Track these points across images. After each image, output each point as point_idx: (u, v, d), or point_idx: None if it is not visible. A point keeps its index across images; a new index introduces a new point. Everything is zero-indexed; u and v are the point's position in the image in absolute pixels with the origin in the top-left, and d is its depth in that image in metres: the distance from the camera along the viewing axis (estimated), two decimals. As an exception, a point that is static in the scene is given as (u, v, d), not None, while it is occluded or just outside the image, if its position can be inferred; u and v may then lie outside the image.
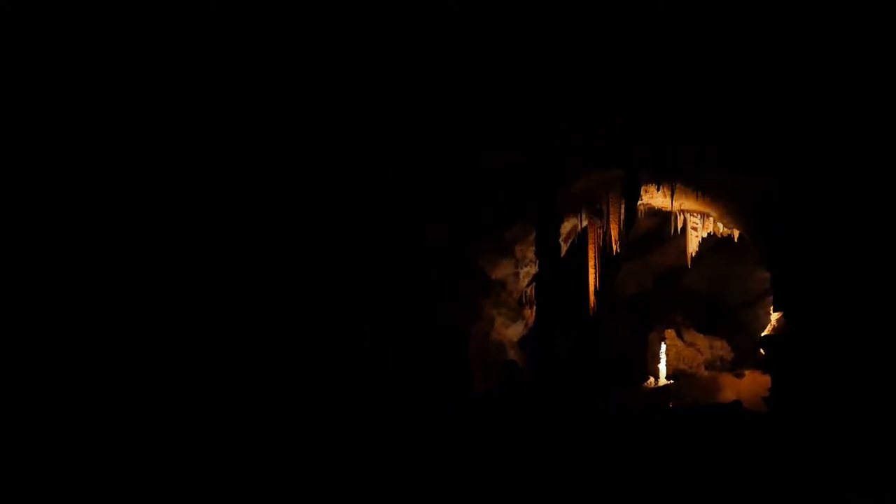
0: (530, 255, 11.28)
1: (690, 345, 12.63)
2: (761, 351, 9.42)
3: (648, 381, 12.25)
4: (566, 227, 11.40)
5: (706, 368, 12.46)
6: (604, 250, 11.07)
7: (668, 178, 9.48)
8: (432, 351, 9.76)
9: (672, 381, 12.09)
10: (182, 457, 6.81)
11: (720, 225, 10.96)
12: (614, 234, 10.73)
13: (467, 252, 10.83)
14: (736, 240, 10.87)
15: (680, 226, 11.24)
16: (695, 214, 11.21)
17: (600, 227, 10.97)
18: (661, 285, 13.81)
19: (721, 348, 12.63)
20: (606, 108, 7.80)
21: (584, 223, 11.48)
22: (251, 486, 6.41)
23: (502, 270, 11.34)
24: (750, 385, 10.65)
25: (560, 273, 11.19)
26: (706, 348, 12.64)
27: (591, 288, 11.99)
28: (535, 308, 11.43)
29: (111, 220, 7.45)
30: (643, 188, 10.20)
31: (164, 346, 7.61)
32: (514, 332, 11.67)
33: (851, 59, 6.54)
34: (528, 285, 11.60)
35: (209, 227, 8.10)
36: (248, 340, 8.21)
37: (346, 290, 9.10)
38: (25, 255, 6.98)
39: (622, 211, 10.73)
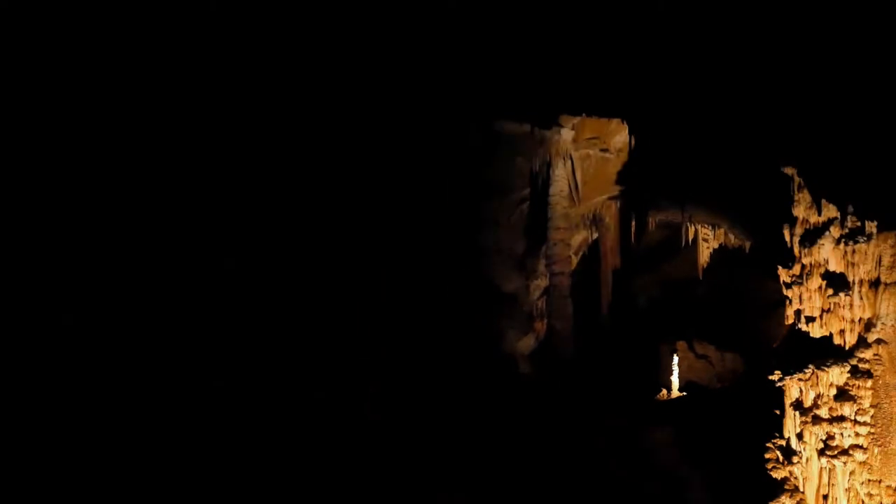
0: (541, 267, 11.28)
1: (702, 357, 12.54)
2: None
3: (661, 394, 12.16)
4: (577, 239, 11.40)
5: (718, 381, 12.37)
6: (614, 262, 11.07)
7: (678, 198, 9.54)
8: (439, 357, 9.76)
9: (685, 394, 12.00)
10: (179, 454, 6.83)
11: (731, 236, 10.94)
12: (625, 245, 10.73)
13: (479, 265, 10.86)
14: (747, 250, 10.83)
15: (691, 237, 11.22)
16: (706, 225, 11.18)
17: (610, 239, 10.97)
18: (672, 297, 13.74)
19: (733, 360, 12.51)
20: (609, 110, 7.85)
21: (595, 235, 11.48)
22: (248, 483, 6.42)
23: (513, 283, 11.33)
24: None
25: (571, 285, 11.19)
26: (718, 361, 12.54)
27: (604, 300, 11.98)
28: (546, 321, 11.40)
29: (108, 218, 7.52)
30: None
31: (161, 343, 7.65)
32: (525, 345, 11.63)
33: (868, 64, 6.53)
34: (538, 298, 11.57)
35: (208, 225, 8.16)
36: (246, 337, 8.23)
37: (350, 292, 9.11)
38: (26, 255, 7.06)
39: (633, 222, 10.75)
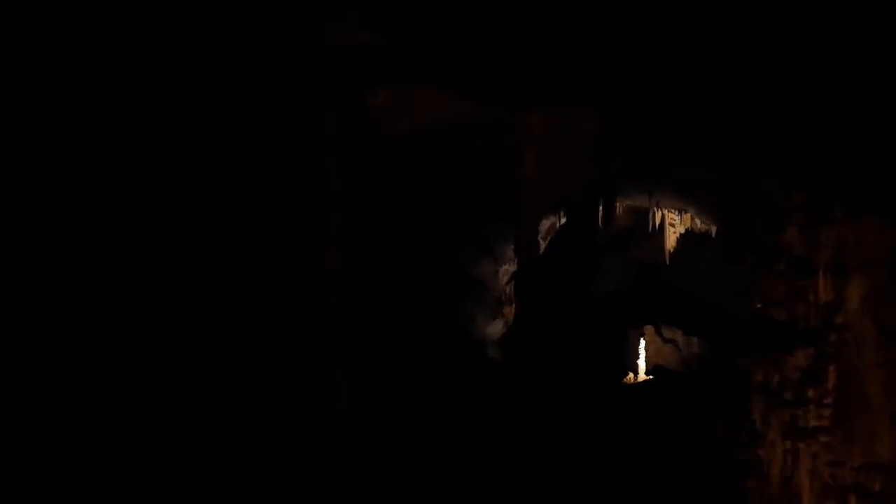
0: (509, 253, 11.28)
1: (669, 341, 12.69)
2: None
3: (628, 377, 12.29)
4: (545, 224, 11.41)
5: (685, 365, 12.53)
6: (582, 247, 11.09)
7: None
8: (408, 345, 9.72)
9: (651, 377, 12.15)
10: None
11: (698, 221, 11.03)
12: (592, 230, 10.77)
13: (448, 251, 10.82)
14: (714, 235, 10.94)
15: (658, 222, 11.30)
16: (673, 210, 11.27)
17: (578, 225, 11.00)
18: (640, 281, 13.84)
19: (699, 345, 12.69)
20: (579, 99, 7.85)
21: (563, 221, 11.50)
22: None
23: (482, 269, 11.32)
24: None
25: (539, 270, 11.20)
26: (685, 345, 12.70)
27: (572, 284, 12.02)
28: (514, 306, 11.43)
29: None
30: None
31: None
32: (495, 330, 11.65)
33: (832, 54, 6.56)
34: (507, 283, 11.59)
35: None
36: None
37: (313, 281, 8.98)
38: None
39: (600, 208, 10.79)
